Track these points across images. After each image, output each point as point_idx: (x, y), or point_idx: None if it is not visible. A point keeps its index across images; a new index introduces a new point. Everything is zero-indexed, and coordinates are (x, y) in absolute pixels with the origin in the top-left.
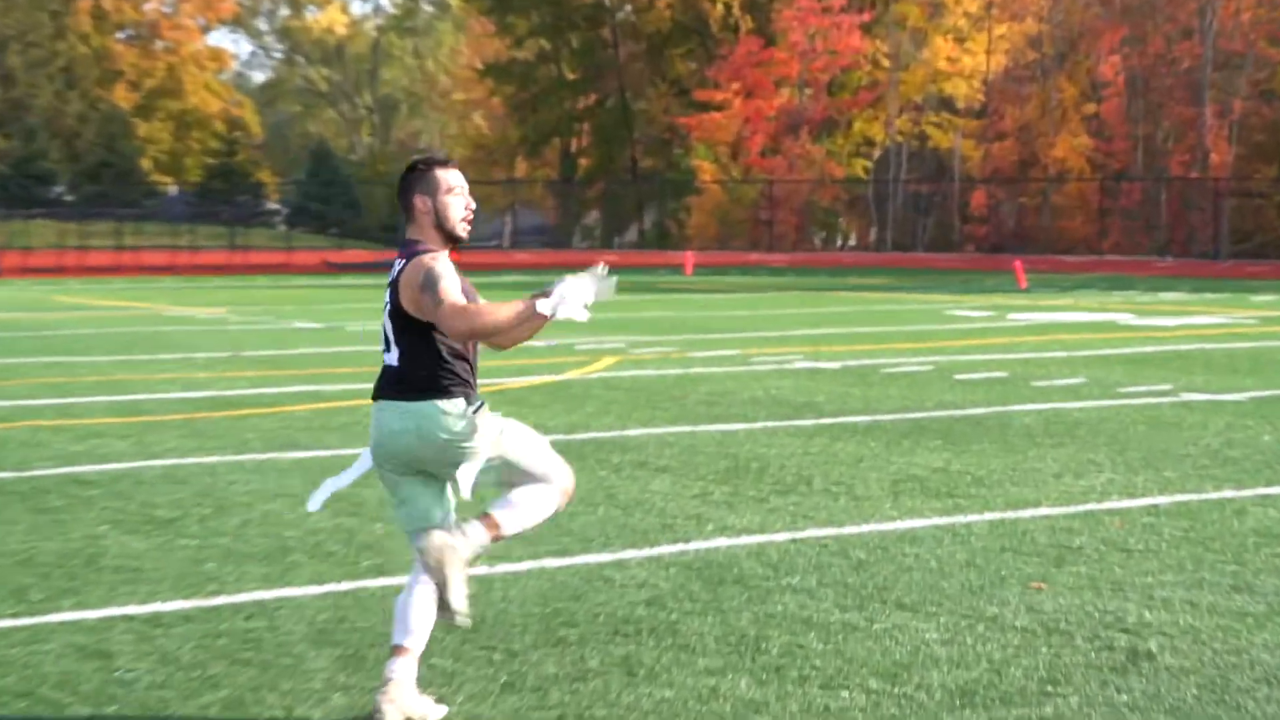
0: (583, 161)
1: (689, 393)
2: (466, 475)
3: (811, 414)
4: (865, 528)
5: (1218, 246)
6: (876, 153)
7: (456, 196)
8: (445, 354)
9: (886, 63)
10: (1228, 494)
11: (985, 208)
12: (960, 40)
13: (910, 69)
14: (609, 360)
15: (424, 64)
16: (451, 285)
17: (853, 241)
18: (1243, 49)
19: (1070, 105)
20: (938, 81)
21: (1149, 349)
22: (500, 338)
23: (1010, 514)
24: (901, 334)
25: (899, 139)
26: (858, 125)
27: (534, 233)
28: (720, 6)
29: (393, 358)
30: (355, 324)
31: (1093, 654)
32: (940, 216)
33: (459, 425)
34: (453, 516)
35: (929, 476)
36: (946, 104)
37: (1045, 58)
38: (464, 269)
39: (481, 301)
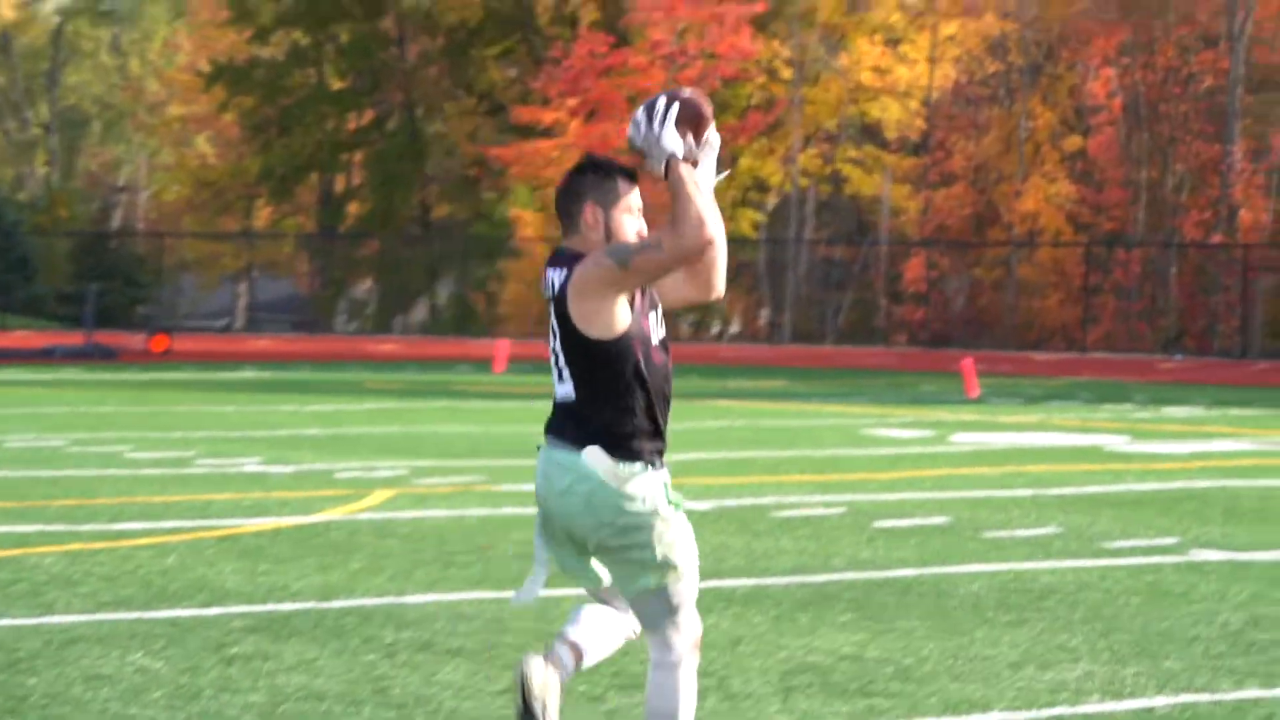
0: (352, 208)
1: (497, 542)
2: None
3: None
4: None
5: (1248, 341)
6: (771, 201)
7: (633, 219)
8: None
9: (788, 73)
10: (1251, 693)
11: (924, 282)
12: (893, 43)
13: (822, 83)
14: (383, 495)
15: (126, 64)
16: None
17: (736, 328)
18: None
19: (1045, 138)
20: (860, 101)
21: (1148, 486)
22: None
23: (950, 719)
24: (803, 461)
25: (803, 182)
26: (745, 161)
27: (278, 308)
28: None
29: (566, 390)
30: (18, 438)
31: None
32: (861, 294)
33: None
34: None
35: (835, 666)
36: (872, 134)
37: (1012, 70)
38: (177, 358)
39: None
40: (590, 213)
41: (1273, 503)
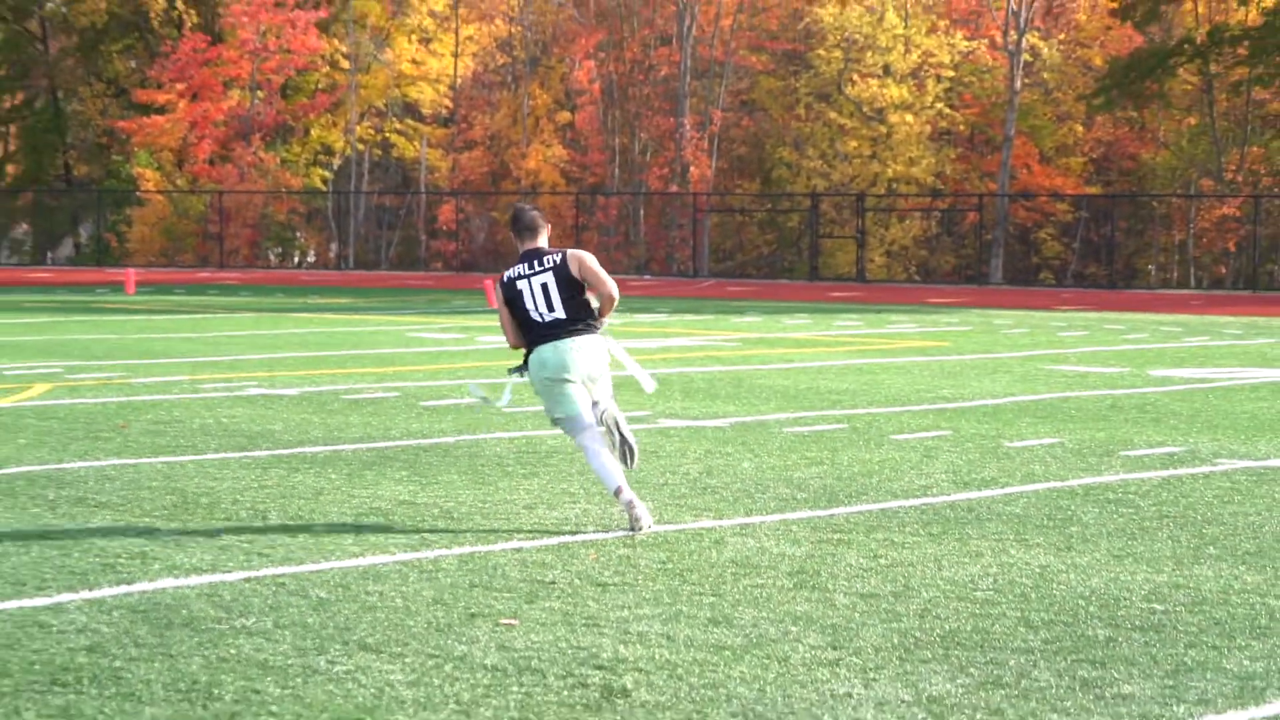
0: (10, 169)
1: (132, 421)
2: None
3: (267, 444)
4: (326, 565)
5: (698, 265)
6: (336, 162)
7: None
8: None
9: (346, 64)
10: (706, 524)
11: (454, 222)
12: (426, 41)
13: (372, 72)
14: (42, 387)
15: None
16: None
17: (312, 258)
18: (722, 57)
19: (543, 114)
20: (401, 86)
21: (626, 373)
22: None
23: (481, 548)
24: (365, 358)
25: (360, 147)
26: (315, 132)
27: None
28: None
29: (558, 314)
30: None
31: (565, 692)
32: (406, 231)
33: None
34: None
35: (394, 509)
36: (412, 110)
37: (516, 62)
38: None
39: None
40: (547, 230)
41: (718, 384)
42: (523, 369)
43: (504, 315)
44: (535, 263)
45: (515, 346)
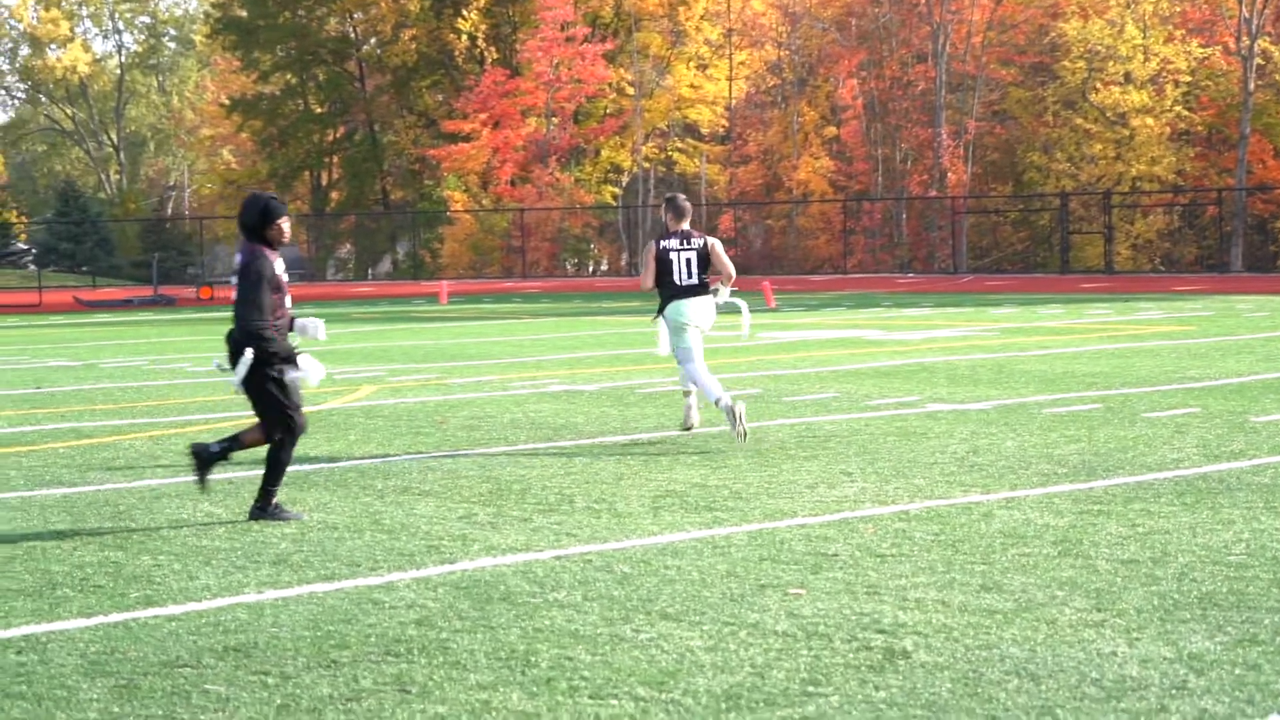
0: (334, 195)
1: (449, 417)
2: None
3: (571, 435)
4: (628, 543)
5: (957, 262)
6: (625, 179)
7: None
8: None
9: (631, 91)
10: (975, 498)
11: (733, 230)
12: (702, 67)
13: (654, 96)
14: (368, 389)
15: (170, 100)
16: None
17: (605, 266)
18: (974, 71)
19: (811, 129)
20: (681, 108)
21: (895, 362)
22: None
23: (768, 525)
24: (655, 355)
25: (646, 165)
26: (605, 153)
27: (288, 266)
28: (465, 39)
29: (693, 280)
30: (111, 360)
31: (850, 654)
32: None
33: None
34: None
35: (688, 491)
36: (691, 130)
37: (785, 83)
38: (218, 303)
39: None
40: (690, 216)
41: (980, 370)
42: (659, 313)
43: (652, 267)
44: (686, 241)
45: (647, 289)
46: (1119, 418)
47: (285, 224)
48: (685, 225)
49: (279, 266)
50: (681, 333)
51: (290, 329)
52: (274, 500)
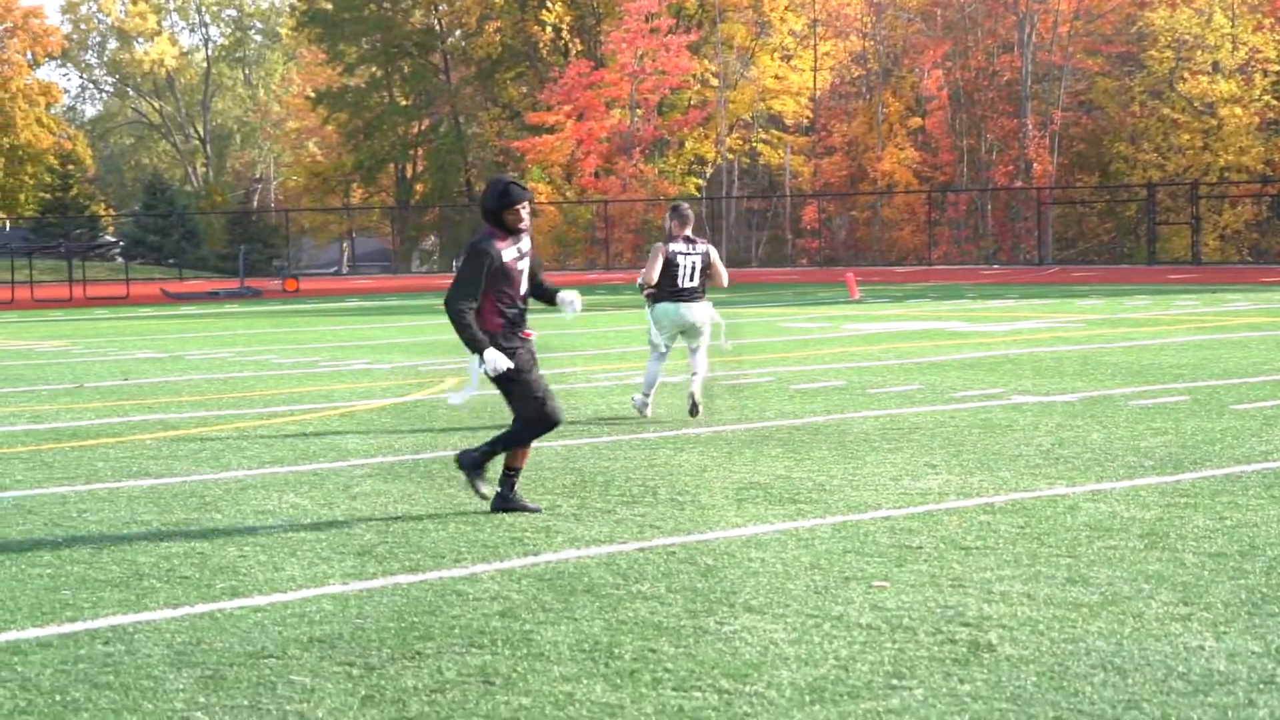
0: (418, 187)
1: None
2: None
3: (654, 427)
4: (711, 535)
5: (1043, 253)
6: (708, 171)
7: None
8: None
9: (715, 82)
10: (1060, 491)
11: (817, 221)
12: (787, 58)
13: (738, 88)
14: (453, 381)
15: (256, 93)
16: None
17: None
18: (1061, 61)
19: (896, 120)
20: (766, 99)
21: (980, 354)
22: None
23: (852, 517)
24: (741, 347)
25: (730, 157)
26: (689, 144)
27: (372, 258)
28: (549, 30)
29: (694, 286)
30: (197, 352)
31: (935, 647)
32: (773, 231)
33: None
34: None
35: (772, 484)
36: (775, 121)
37: (870, 74)
38: (304, 295)
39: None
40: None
41: (1066, 362)
42: (650, 305)
43: (658, 265)
44: (692, 246)
45: (649, 284)
46: (1206, 410)
47: (524, 210)
48: (689, 231)
49: (509, 254)
50: (665, 330)
51: (552, 302)
52: (515, 484)
